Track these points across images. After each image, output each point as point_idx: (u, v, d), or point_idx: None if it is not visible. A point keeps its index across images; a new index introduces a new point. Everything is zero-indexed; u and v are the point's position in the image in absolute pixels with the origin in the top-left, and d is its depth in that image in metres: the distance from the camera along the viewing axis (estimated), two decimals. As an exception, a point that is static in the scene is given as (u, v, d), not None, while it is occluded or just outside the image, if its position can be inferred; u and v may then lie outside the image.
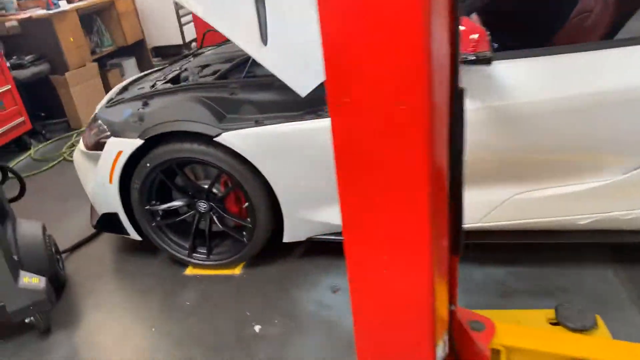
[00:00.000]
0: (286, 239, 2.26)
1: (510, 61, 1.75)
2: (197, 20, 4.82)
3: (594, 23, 2.47)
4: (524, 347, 1.51)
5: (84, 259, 2.70)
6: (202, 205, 2.29)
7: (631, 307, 1.91)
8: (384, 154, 1.02)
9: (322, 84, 1.86)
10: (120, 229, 2.44)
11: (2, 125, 4.09)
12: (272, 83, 2.06)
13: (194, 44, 6.71)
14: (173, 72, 2.66)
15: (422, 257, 1.11)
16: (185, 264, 2.48)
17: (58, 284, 2.38)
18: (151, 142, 2.13)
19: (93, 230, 2.79)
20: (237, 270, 2.42)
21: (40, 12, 4.58)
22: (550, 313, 1.72)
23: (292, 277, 2.33)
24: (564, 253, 2.20)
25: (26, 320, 2.09)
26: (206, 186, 2.27)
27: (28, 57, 4.48)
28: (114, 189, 2.26)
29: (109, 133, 2.25)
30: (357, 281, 1.25)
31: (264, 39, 1.83)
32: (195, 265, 2.46)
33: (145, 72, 3.01)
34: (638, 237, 1.95)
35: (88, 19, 5.29)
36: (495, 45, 1.80)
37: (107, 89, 5.19)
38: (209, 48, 3.08)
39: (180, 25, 6.70)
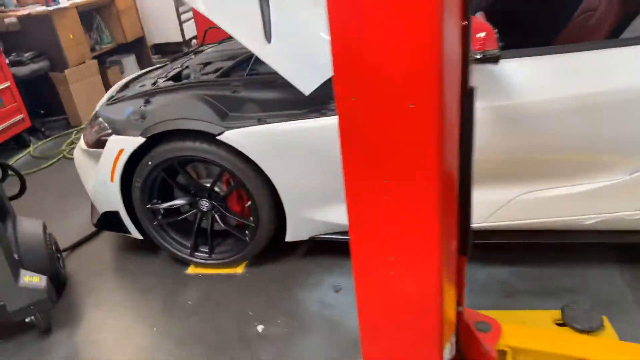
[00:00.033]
0: (289, 238, 2.24)
1: (518, 60, 1.73)
2: (197, 17, 4.79)
3: (598, 22, 2.45)
4: (530, 348, 1.50)
5: (84, 257, 2.68)
6: (204, 204, 2.27)
7: (637, 308, 1.89)
8: (392, 153, 1.00)
9: (325, 82, 1.85)
10: (121, 228, 2.42)
11: (1, 122, 4.07)
12: (275, 81, 2.04)
13: (194, 41, 6.69)
14: (174, 69, 2.64)
15: (431, 258, 1.09)
16: (186, 263, 2.46)
17: (58, 283, 2.36)
18: (153, 140, 2.12)
19: (93, 229, 2.77)
20: (239, 270, 2.40)
21: (40, 8, 4.55)
22: (556, 314, 1.71)
23: (295, 277, 2.31)
24: (568, 253, 2.19)
25: (26, 320, 2.07)
26: (208, 185, 2.25)
27: (27, 54, 4.45)
28: (115, 187, 2.24)
29: (110, 131, 2.23)
30: (363, 282, 1.23)
31: (267, 36, 1.82)
32: (197, 264, 2.44)
33: (146, 70, 2.99)
34: (644, 237, 1.94)
35: (87, 16, 5.26)
36: (500, 44, 1.78)
37: (107, 86, 5.16)
38: (210, 45, 3.06)
39: (180, 23, 6.68)
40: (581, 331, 1.64)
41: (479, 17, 2.02)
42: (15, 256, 2.08)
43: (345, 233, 2.17)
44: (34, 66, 4.45)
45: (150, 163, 2.15)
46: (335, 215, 2.09)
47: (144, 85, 2.51)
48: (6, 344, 2.13)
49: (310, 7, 1.89)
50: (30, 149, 4.31)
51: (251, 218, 2.22)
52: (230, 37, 3.11)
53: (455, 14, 0.96)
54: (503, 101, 1.74)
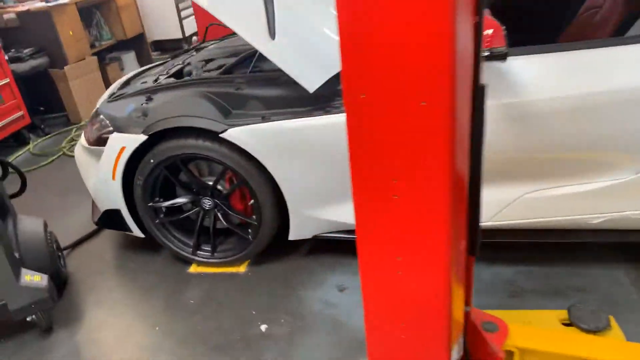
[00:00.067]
0: (292, 236, 2.22)
1: (525, 57, 1.72)
2: (198, 13, 4.76)
3: (602, 19, 2.43)
4: (537, 349, 1.49)
5: (85, 256, 2.66)
6: (207, 202, 2.26)
7: (643, 307, 1.89)
8: (402, 152, 0.98)
9: (330, 79, 1.83)
10: (123, 226, 2.40)
11: (1, 119, 4.04)
12: (279, 78, 2.02)
13: (194, 38, 6.66)
14: (176, 66, 2.61)
15: (441, 259, 1.08)
16: (188, 262, 2.44)
17: (59, 282, 2.35)
18: (155, 138, 2.09)
19: (94, 227, 2.75)
20: (242, 268, 2.39)
21: (39, 4, 4.51)
22: (563, 314, 1.69)
23: (298, 276, 2.29)
24: (574, 252, 2.17)
25: (27, 319, 2.05)
26: (211, 183, 2.23)
27: (27, 51, 4.42)
28: (117, 185, 2.22)
29: (111, 128, 2.21)
30: (369, 282, 1.22)
31: (271, 32, 1.80)
32: (199, 263, 2.42)
33: (147, 67, 2.96)
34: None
35: (87, 12, 5.22)
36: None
37: (107, 83, 5.14)
38: (211, 42, 3.03)
39: (180, 19, 6.64)
40: (588, 331, 1.62)
41: (486, 14, 2.00)
42: (16, 255, 2.06)
43: (349, 232, 2.16)
44: (33, 62, 4.42)
45: (152, 161, 2.13)
46: (339, 213, 2.08)
47: (145, 82, 2.49)
48: (7, 343, 2.12)
49: (315, 3, 1.87)
50: (30, 146, 4.28)
51: (254, 216, 2.20)
52: (231, 34, 3.10)
53: (468, 9, 0.94)
54: (510, 99, 1.72)
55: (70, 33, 4.66)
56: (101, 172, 2.24)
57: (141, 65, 5.77)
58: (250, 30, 1.83)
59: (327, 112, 1.90)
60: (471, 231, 1.22)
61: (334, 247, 2.32)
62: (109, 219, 2.40)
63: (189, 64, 2.58)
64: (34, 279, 2.01)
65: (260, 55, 2.19)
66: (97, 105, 2.46)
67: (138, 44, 5.96)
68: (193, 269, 2.43)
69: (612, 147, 1.81)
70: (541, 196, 1.90)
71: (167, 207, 2.31)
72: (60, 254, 2.45)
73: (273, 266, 2.37)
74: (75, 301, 2.33)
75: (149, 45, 6.34)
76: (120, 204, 2.29)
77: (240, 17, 1.81)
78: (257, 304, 2.16)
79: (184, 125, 2.04)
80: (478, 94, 1.06)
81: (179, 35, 6.74)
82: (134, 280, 2.44)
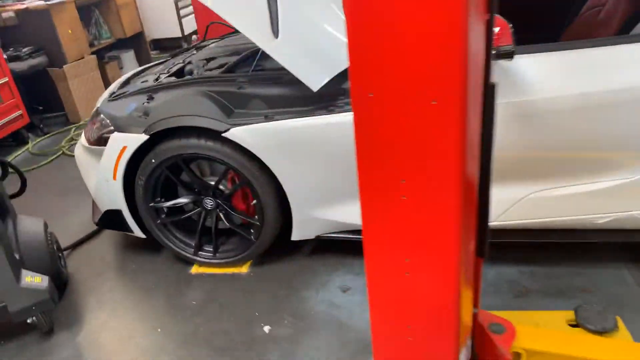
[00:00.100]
0: (295, 237, 2.20)
1: (532, 55, 1.70)
2: (198, 12, 4.73)
3: (606, 18, 2.42)
4: (544, 350, 1.47)
5: (86, 256, 2.64)
6: (209, 202, 2.24)
7: (649, 308, 1.87)
8: (411, 152, 0.96)
9: (334, 78, 1.81)
10: (124, 226, 2.38)
11: (0, 118, 4.01)
12: (282, 77, 2.00)
13: (194, 36, 6.63)
14: (177, 65, 2.59)
15: (450, 261, 1.06)
16: (190, 262, 2.42)
17: (60, 283, 2.33)
18: (157, 138, 2.07)
19: (95, 227, 2.73)
20: (244, 269, 2.37)
21: (38, 2, 4.48)
22: (569, 314, 1.68)
23: (301, 276, 2.28)
24: (579, 252, 2.16)
25: (28, 321, 2.03)
26: (213, 182, 2.21)
27: (25, 49, 4.38)
28: (117, 185, 2.19)
29: (112, 128, 2.18)
30: (376, 283, 1.20)
31: (275, 31, 1.77)
32: (201, 264, 2.40)
33: (147, 65, 2.94)
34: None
35: (86, 11, 5.19)
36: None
37: (106, 81, 5.11)
38: (212, 40, 3.01)
39: (180, 18, 6.62)
40: (595, 332, 1.61)
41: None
42: (17, 256, 2.04)
43: (352, 232, 2.14)
44: (32, 61, 4.39)
45: (153, 161, 2.11)
46: (343, 214, 2.06)
47: (146, 81, 2.46)
48: (8, 345, 2.10)
49: (319, 1, 1.85)
50: (29, 145, 4.26)
51: (256, 216, 2.18)
52: (232, 33, 3.07)
53: (480, 6, 0.92)
54: (516, 98, 1.70)
55: (69, 32, 4.63)
56: (102, 172, 2.22)
57: (140, 64, 5.75)
58: (253, 29, 1.81)
59: (331, 111, 1.88)
60: (480, 232, 1.20)
61: (337, 247, 2.30)
62: (110, 220, 2.38)
63: (190, 62, 2.55)
64: (34, 280, 1.99)
65: (263, 53, 2.17)
66: (98, 105, 2.44)
67: (137, 43, 5.94)
68: (195, 269, 2.41)
69: (618, 146, 1.80)
70: (547, 196, 1.88)
71: (168, 208, 2.30)
72: (60, 254, 2.43)
73: (276, 267, 2.35)
74: (76, 302, 2.31)
75: (148, 43, 6.32)
76: (121, 204, 2.27)
77: (244, 15, 1.79)
78: (259, 304, 2.14)
79: (186, 125, 2.02)
80: (488, 92, 1.04)
81: (178, 34, 6.72)
82: (135, 281, 2.42)
